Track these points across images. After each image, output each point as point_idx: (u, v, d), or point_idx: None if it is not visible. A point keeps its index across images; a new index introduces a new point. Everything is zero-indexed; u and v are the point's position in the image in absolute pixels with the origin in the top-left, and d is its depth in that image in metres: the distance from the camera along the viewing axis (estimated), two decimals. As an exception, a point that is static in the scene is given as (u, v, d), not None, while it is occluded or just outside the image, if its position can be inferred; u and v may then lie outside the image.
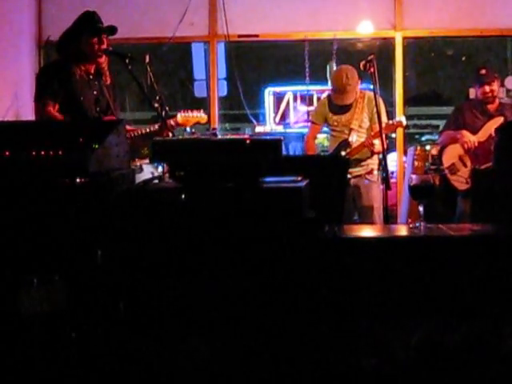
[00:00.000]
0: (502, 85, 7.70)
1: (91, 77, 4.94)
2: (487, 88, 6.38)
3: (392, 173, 7.82)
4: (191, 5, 7.90)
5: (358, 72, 6.30)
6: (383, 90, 7.33)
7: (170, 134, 4.87)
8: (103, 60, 4.94)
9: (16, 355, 2.98)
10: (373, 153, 6.29)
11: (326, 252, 3.02)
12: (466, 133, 6.33)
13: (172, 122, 5.12)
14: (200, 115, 5.34)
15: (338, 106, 6.48)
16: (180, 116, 5.17)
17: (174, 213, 3.05)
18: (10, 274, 3.01)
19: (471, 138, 6.29)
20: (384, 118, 6.14)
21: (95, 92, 4.94)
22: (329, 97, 6.77)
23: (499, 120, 6.22)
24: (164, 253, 3.02)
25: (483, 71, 6.44)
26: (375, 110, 5.91)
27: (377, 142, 6.07)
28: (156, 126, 5.00)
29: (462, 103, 6.94)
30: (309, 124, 7.21)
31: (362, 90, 6.52)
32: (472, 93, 7.08)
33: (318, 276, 2.98)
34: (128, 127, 5.13)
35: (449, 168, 6.39)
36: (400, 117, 6.77)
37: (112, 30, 4.88)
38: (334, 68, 7.88)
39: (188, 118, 5.23)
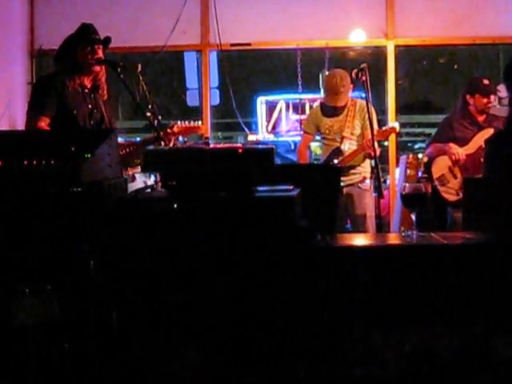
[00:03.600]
0: (495, 92, 7.70)
1: (86, 90, 4.94)
2: (492, 97, 6.39)
3: (384, 181, 7.82)
4: (183, 14, 7.91)
5: (350, 78, 6.32)
6: (375, 99, 7.37)
7: (163, 143, 4.87)
8: (100, 73, 4.94)
9: (8, 366, 2.97)
10: (370, 157, 6.23)
11: (318, 261, 3.02)
12: (453, 145, 6.32)
13: (169, 130, 5.14)
14: (196, 123, 5.41)
15: (330, 108, 6.50)
16: (176, 127, 5.22)
17: (166, 222, 3.04)
18: (1, 283, 3.00)
19: (459, 151, 6.28)
20: (375, 126, 6.16)
21: (90, 105, 4.93)
22: (321, 104, 6.80)
23: (489, 131, 6.20)
24: (156, 262, 3.02)
25: (487, 81, 6.42)
26: (367, 117, 5.93)
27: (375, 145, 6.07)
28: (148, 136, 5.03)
29: (450, 116, 6.87)
30: (301, 133, 7.24)
31: (353, 98, 6.55)
32: (461, 102, 7.08)
33: (311, 285, 2.98)
34: (120, 140, 5.15)
35: (439, 179, 6.37)
36: (393, 122, 6.79)
37: (105, 41, 4.89)
38: (327, 76, 7.89)
39: (185, 129, 5.29)
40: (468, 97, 6.46)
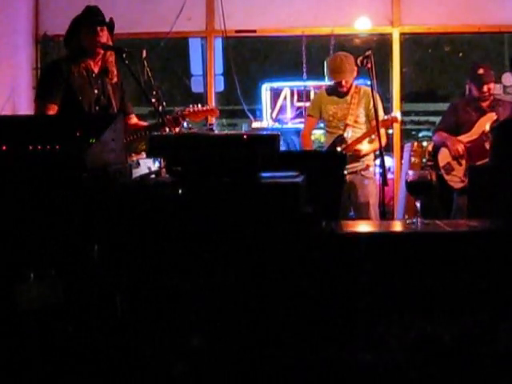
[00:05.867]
0: (499, 81, 7.69)
1: (93, 75, 4.90)
2: (485, 88, 6.40)
3: (389, 169, 7.83)
4: (188, 0, 7.89)
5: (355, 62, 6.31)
6: (380, 86, 7.36)
7: (168, 129, 4.85)
8: (107, 54, 4.91)
9: (13, 350, 2.97)
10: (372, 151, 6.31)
11: (322, 248, 3.02)
12: (453, 141, 6.37)
13: (178, 114, 5.10)
14: (210, 107, 5.34)
15: (335, 91, 6.48)
16: (187, 110, 5.16)
17: (171, 208, 3.04)
18: (6, 268, 3.01)
19: (459, 148, 6.32)
20: (381, 113, 6.17)
21: (96, 91, 4.90)
22: (326, 89, 6.78)
23: (492, 116, 6.25)
24: (161, 248, 3.02)
25: (481, 71, 6.42)
26: (372, 105, 5.92)
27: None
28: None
29: (456, 102, 6.92)
30: (304, 119, 7.22)
31: (357, 85, 6.53)
32: (467, 89, 7.09)
33: (315, 272, 2.98)
34: (135, 120, 5.13)
35: (444, 167, 6.42)
36: (395, 112, 6.78)
37: (109, 23, 4.84)
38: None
39: (197, 113, 5.23)
40: (468, 82, 6.55)
